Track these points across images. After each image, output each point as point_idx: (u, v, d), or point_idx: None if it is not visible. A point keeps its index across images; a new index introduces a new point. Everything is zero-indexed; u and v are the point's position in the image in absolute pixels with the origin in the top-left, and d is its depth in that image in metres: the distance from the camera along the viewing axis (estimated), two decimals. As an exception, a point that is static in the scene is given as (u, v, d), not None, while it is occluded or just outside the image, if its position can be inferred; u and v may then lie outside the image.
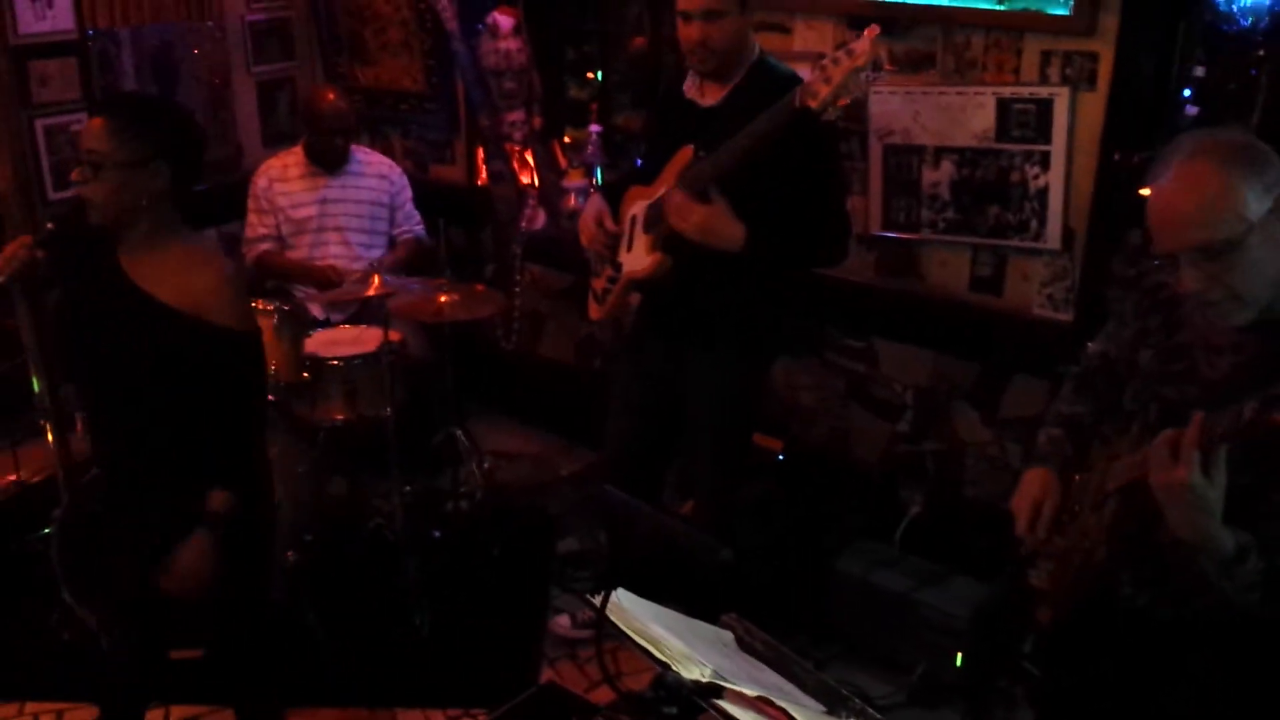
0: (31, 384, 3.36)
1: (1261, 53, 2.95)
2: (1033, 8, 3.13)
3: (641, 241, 3.00)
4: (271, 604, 3.16)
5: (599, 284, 3.21)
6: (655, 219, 2.94)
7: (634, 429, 3.28)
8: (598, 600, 1.74)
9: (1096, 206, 3.15)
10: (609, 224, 3.10)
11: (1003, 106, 3.21)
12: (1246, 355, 1.84)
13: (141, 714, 2.72)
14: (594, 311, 3.24)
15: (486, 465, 4.21)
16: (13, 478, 4.01)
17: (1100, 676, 2.14)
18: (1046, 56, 3.14)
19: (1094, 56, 3.06)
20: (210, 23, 4.73)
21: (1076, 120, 3.11)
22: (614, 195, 3.17)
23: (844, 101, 2.46)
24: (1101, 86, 3.07)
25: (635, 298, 3.14)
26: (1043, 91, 3.14)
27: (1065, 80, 3.11)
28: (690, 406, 3.12)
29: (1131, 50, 3.01)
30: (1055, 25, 3.10)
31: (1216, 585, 1.79)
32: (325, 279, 4.01)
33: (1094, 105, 3.09)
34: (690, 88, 2.99)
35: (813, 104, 2.47)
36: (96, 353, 2.42)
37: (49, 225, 2.41)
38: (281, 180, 4.20)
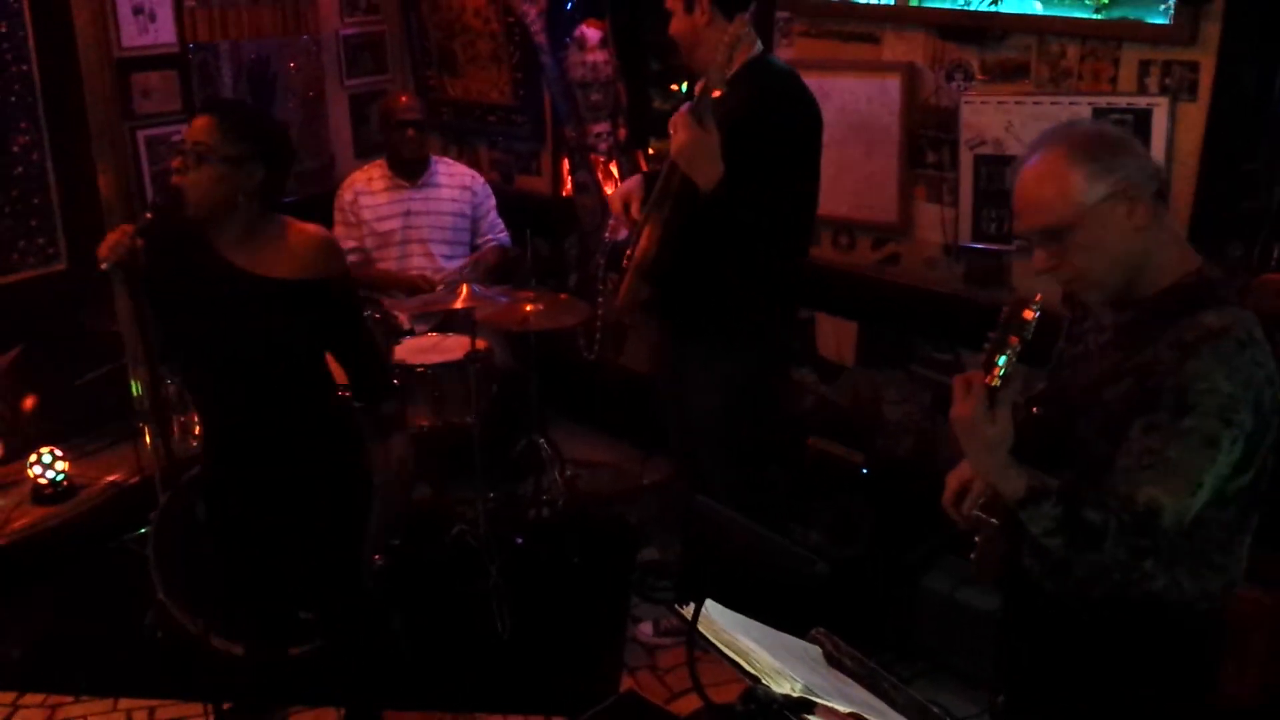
0: (130, 387, 3.47)
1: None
2: (1131, 16, 3.05)
3: (646, 228, 3.06)
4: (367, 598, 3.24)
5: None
6: (655, 205, 3.01)
7: (673, 428, 3.37)
8: (688, 611, 1.73)
9: (1196, 218, 3.07)
10: (634, 207, 3.17)
11: (1099, 116, 3.14)
12: (1110, 334, 1.93)
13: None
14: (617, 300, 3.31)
15: (568, 474, 4.23)
16: (111, 479, 4.14)
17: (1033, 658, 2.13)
18: (1145, 66, 3.06)
19: (1194, 66, 2.98)
20: (306, 36, 4.84)
21: (1176, 131, 3.03)
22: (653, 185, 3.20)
23: (716, 93, 2.71)
24: (1203, 97, 2.99)
25: (646, 290, 3.18)
26: (1141, 101, 3.07)
27: (1164, 90, 3.04)
28: (687, 400, 3.19)
29: (1234, 60, 2.93)
30: (1154, 34, 3.02)
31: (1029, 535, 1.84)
32: (415, 286, 4.07)
33: (1194, 116, 3.01)
34: (699, 85, 3.05)
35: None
36: (216, 340, 2.57)
37: (147, 215, 2.54)
38: (366, 193, 4.28)
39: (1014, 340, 1.72)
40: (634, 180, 3.30)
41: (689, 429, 3.28)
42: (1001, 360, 1.73)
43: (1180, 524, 1.77)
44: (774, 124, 2.91)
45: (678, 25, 3.01)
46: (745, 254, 2.98)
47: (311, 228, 2.64)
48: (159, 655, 3.42)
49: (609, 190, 4.53)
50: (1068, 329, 2.07)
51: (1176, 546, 1.81)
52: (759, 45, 2.99)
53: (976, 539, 2.07)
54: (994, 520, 1.93)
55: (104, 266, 2.47)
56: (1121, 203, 1.80)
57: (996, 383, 1.73)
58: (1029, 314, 1.72)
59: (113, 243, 2.48)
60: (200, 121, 2.51)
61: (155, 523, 3.29)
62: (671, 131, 2.81)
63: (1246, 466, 1.80)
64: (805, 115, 3.02)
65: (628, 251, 3.17)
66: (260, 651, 2.91)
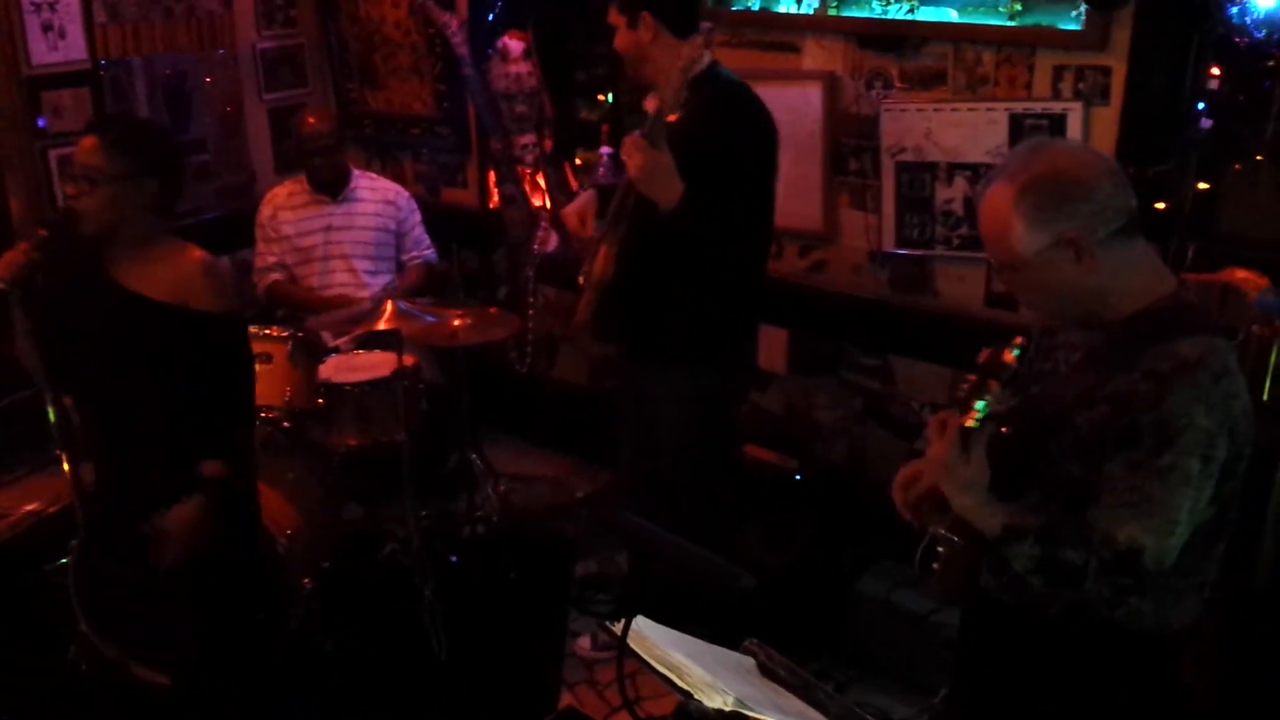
0: (48, 413, 3.37)
1: (1275, 64, 2.92)
2: (1044, 23, 3.12)
3: (603, 248, 3.03)
4: (278, 631, 3.18)
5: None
6: (611, 226, 2.98)
7: (631, 449, 3.32)
8: (618, 628, 1.72)
9: (1112, 220, 3.13)
10: (588, 223, 3.14)
11: (1015, 122, 3.19)
12: (1081, 353, 1.92)
13: None
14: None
15: (502, 489, 4.19)
16: (30, 508, 4.02)
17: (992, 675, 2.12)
18: (1059, 71, 3.13)
19: (1106, 71, 3.05)
20: (222, 51, 4.75)
21: (1090, 135, 3.10)
22: (607, 201, 3.15)
23: (671, 117, 2.71)
24: (1115, 101, 3.06)
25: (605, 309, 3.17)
26: (1055, 106, 3.13)
27: (1078, 95, 3.10)
28: (651, 417, 3.15)
29: (1144, 64, 3.00)
30: (1067, 40, 3.09)
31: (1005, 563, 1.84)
32: (334, 308, 4.02)
33: (1108, 119, 3.08)
34: (649, 103, 3.05)
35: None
36: (91, 356, 2.55)
37: (41, 231, 2.53)
38: (286, 209, 4.22)
39: (993, 385, 1.72)
40: (587, 195, 3.24)
41: (652, 446, 3.20)
42: (980, 405, 1.73)
43: (1163, 562, 1.75)
44: (724, 138, 2.87)
45: (622, 41, 2.96)
46: (703, 270, 2.93)
47: (198, 255, 2.60)
48: (83, 687, 3.32)
49: (536, 202, 4.51)
50: (1038, 339, 2.05)
51: (1155, 583, 1.80)
52: (708, 57, 2.90)
53: (939, 550, 2.02)
54: (957, 540, 1.90)
55: (2, 286, 2.45)
56: (1066, 251, 1.77)
57: (974, 424, 1.73)
58: (1009, 357, 1.72)
59: (8, 261, 2.47)
60: (86, 143, 2.49)
61: (75, 552, 3.20)
62: (625, 158, 2.76)
63: (1215, 497, 1.79)
64: (755, 128, 2.97)
65: (583, 269, 3.12)
66: (185, 682, 2.83)
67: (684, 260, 2.90)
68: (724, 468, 3.29)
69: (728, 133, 2.90)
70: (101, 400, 2.63)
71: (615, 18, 2.95)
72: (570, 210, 3.22)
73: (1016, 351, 1.72)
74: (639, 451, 3.30)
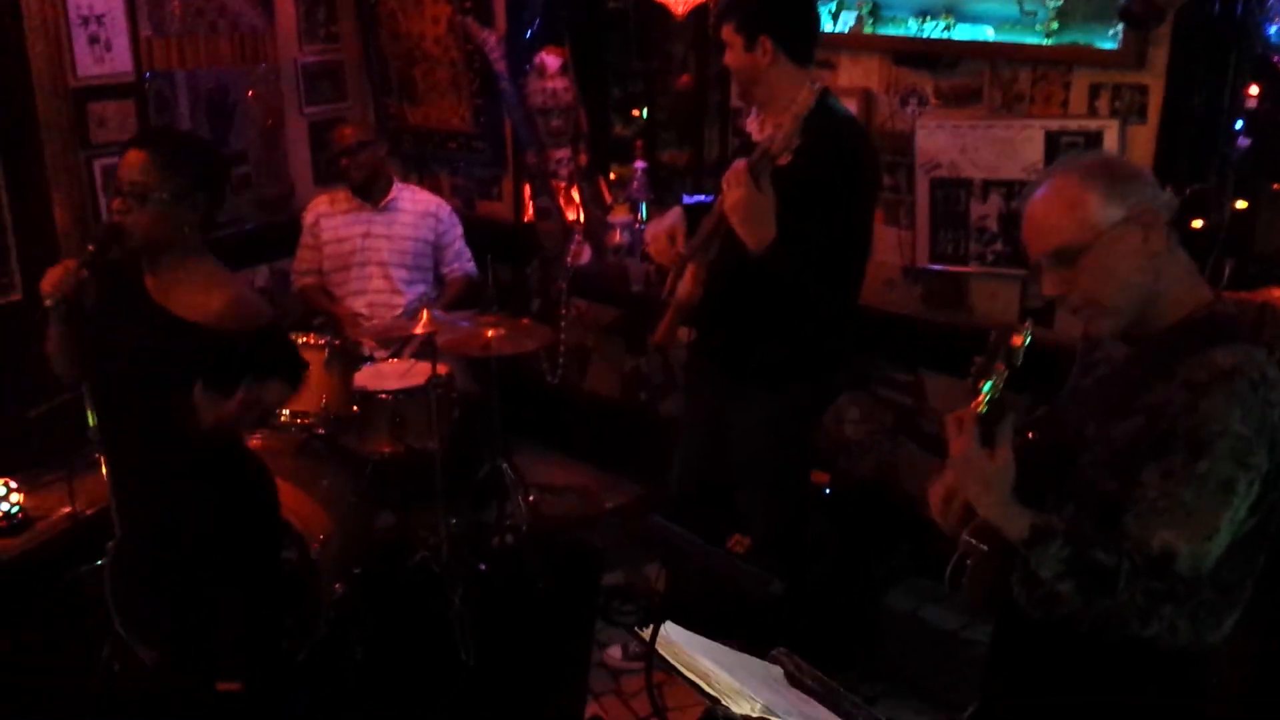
0: (86, 417, 3.42)
1: (1314, 83, 2.92)
2: (1081, 41, 3.12)
3: (690, 269, 3.02)
4: (308, 636, 3.20)
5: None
6: (701, 248, 2.95)
7: (690, 466, 3.29)
8: (647, 634, 1.73)
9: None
10: (680, 241, 3.07)
11: (1051, 139, 3.19)
12: (1114, 367, 1.90)
13: None
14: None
15: (532, 498, 4.21)
16: (67, 510, 4.07)
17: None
18: (1095, 89, 3.12)
19: (1143, 89, 3.05)
20: (264, 65, 4.83)
21: (1127, 153, 3.08)
22: (695, 220, 3.10)
23: (782, 160, 2.64)
24: (1152, 119, 3.05)
25: (684, 332, 3.15)
26: (1092, 124, 3.12)
27: (1114, 113, 3.09)
28: (734, 441, 3.12)
29: (1181, 83, 2.99)
30: (1103, 58, 3.08)
31: (1036, 576, 1.79)
32: (349, 325, 4.08)
33: (1144, 138, 3.07)
34: (750, 121, 3.05)
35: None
36: (124, 369, 2.50)
37: (90, 248, 2.45)
38: (328, 215, 4.30)
39: (1000, 367, 1.70)
40: (675, 213, 3.17)
41: (731, 469, 3.16)
42: (986, 387, 1.70)
43: (1198, 570, 1.73)
44: (826, 178, 2.79)
45: (736, 60, 2.87)
46: (796, 300, 2.87)
47: (235, 284, 2.57)
48: (116, 688, 3.35)
49: (570, 216, 4.54)
50: (1080, 355, 2.03)
51: (1191, 591, 1.77)
52: (819, 88, 2.73)
53: (967, 563, 1.99)
54: (983, 546, 1.87)
55: (48, 303, 2.38)
56: (1136, 228, 1.76)
57: (983, 409, 1.70)
58: (1018, 340, 1.70)
59: (56, 278, 2.40)
60: (135, 159, 2.41)
61: (111, 554, 3.24)
62: (725, 186, 2.69)
63: (1255, 509, 1.75)
64: (859, 165, 2.89)
65: (667, 286, 3.08)
66: (214, 684, 2.85)
67: (776, 290, 2.84)
68: (800, 489, 3.27)
69: (831, 174, 2.80)
70: (131, 412, 2.59)
71: (731, 36, 2.85)
72: (660, 228, 3.13)
73: (1027, 335, 1.70)
74: (696, 468, 3.27)
